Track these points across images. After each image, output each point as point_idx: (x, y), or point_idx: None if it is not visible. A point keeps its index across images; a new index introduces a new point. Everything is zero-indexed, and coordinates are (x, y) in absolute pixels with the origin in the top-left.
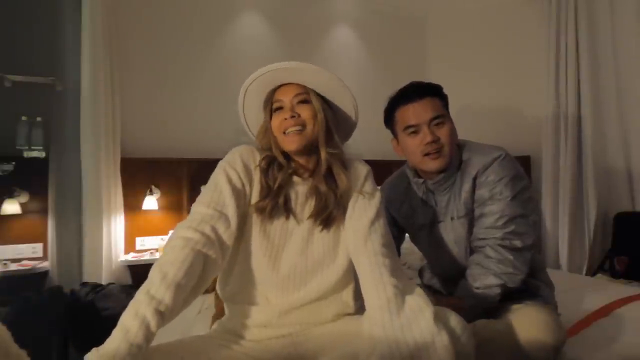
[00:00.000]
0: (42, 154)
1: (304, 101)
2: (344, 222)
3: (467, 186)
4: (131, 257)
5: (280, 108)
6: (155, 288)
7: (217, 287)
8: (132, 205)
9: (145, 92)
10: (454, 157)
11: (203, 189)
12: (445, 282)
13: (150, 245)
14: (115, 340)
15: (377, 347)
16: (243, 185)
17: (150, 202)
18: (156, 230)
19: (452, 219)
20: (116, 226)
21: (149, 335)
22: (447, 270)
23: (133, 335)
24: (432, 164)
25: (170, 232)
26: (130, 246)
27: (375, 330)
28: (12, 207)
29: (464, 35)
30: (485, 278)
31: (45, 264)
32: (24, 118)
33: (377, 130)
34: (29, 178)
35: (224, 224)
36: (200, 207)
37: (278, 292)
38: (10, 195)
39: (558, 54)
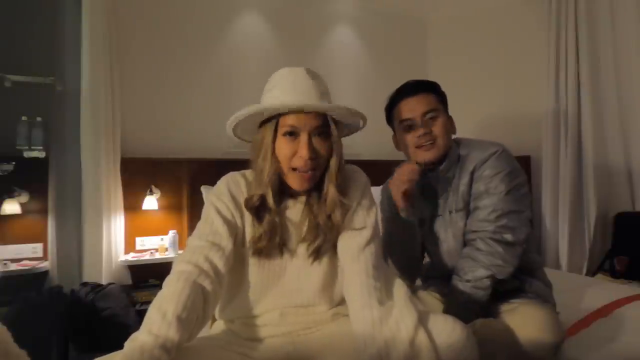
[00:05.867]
0: (42, 154)
1: (323, 134)
2: (338, 245)
3: (465, 180)
4: (131, 257)
5: (292, 134)
6: (157, 327)
7: (216, 311)
8: (132, 205)
9: (145, 92)
10: (452, 152)
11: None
12: (445, 280)
13: (150, 245)
14: None
15: None
16: (233, 216)
17: (150, 202)
18: (156, 230)
19: (450, 212)
20: (116, 226)
21: None
22: (446, 265)
23: None
24: (424, 155)
25: (170, 232)
26: (130, 246)
27: (358, 351)
28: (12, 207)
29: (464, 36)
30: (475, 270)
31: (45, 264)
32: (24, 118)
33: (376, 131)
34: (29, 178)
35: (217, 252)
36: (194, 241)
37: (277, 314)
38: (10, 195)
39: (558, 54)
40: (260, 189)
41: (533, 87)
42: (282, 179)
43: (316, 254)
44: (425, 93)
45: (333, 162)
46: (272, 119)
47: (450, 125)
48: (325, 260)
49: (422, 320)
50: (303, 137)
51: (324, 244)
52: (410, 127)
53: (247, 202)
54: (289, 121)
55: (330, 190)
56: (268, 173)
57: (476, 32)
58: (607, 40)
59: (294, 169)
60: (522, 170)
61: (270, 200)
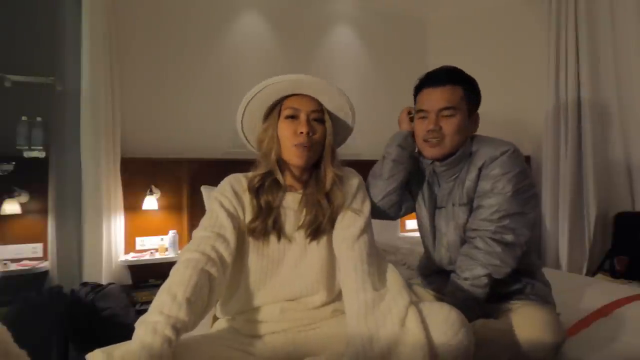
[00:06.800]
0: (42, 154)
1: (319, 120)
2: (334, 233)
3: (472, 175)
4: (131, 257)
5: (293, 117)
6: (168, 307)
7: (218, 307)
8: (132, 205)
9: (145, 92)
10: (465, 148)
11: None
12: (443, 275)
13: (150, 245)
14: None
15: (349, 347)
16: (235, 209)
17: (150, 202)
18: (156, 230)
19: (453, 205)
20: (116, 226)
21: (170, 353)
22: (444, 259)
23: (158, 351)
24: (428, 151)
25: (170, 232)
26: (130, 246)
27: (350, 332)
28: (12, 207)
29: (464, 36)
30: (473, 269)
31: (45, 264)
32: (24, 118)
33: (376, 131)
34: (29, 178)
35: (223, 243)
36: (200, 232)
37: (277, 310)
38: (10, 195)
39: (558, 54)
40: (266, 167)
41: (533, 87)
42: (281, 169)
43: (314, 234)
44: (452, 86)
45: (327, 144)
46: (276, 106)
47: (473, 125)
48: (323, 245)
49: (415, 303)
50: (302, 117)
51: (322, 223)
52: (424, 118)
53: (250, 182)
54: (290, 104)
55: (328, 168)
56: (274, 152)
57: (476, 32)
58: (607, 40)
59: (294, 146)
60: (530, 172)
61: (276, 170)
